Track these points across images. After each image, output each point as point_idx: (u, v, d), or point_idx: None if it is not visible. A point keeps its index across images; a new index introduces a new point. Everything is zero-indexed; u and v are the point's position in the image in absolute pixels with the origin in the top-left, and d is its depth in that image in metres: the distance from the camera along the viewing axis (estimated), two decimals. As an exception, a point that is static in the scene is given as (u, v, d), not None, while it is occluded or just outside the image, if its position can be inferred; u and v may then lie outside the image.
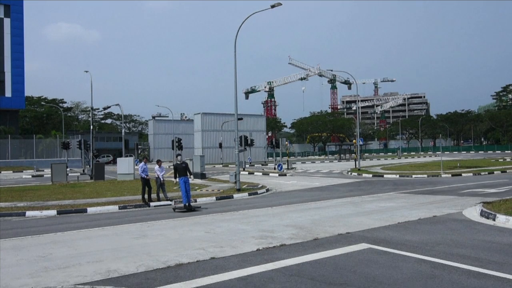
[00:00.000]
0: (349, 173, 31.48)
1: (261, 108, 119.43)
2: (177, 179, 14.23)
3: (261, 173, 33.89)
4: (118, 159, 28.82)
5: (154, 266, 6.52)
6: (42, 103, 79.45)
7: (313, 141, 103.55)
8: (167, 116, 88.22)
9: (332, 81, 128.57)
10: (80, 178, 29.19)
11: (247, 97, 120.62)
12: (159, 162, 16.68)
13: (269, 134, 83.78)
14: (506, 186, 18.78)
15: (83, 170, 39.28)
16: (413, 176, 26.50)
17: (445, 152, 75.20)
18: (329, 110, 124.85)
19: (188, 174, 14.24)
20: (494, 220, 9.77)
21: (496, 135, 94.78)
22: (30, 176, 35.50)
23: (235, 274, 5.95)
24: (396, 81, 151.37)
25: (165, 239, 8.80)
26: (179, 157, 14.90)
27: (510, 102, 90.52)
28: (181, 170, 14.21)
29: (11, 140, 52.80)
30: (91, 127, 35.88)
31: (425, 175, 26.47)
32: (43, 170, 41.09)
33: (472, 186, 19.34)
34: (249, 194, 18.40)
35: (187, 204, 13.69)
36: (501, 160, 44.45)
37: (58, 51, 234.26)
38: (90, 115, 38.53)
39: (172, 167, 14.21)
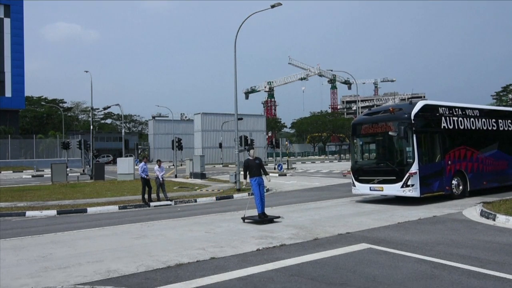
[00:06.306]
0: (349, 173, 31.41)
1: (261, 108, 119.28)
2: (248, 180, 11.06)
3: (261, 173, 33.81)
4: (118, 159, 28.86)
5: (154, 266, 6.52)
6: (42, 103, 79.52)
7: (313, 141, 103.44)
8: (167, 116, 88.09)
9: (332, 81, 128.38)
10: (80, 178, 29.21)
11: (247, 97, 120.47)
12: (159, 162, 16.72)
13: (269, 134, 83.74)
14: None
15: (83, 170, 39.29)
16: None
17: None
18: (329, 110, 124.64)
19: (263, 173, 11.11)
20: (494, 220, 9.76)
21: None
22: (30, 176, 35.55)
23: (235, 274, 5.94)
24: (396, 81, 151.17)
25: (165, 239, 8.80)
26: (251, 152, 11.22)
27: (510, 102, 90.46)
28: (254, 168, 10.96)
29: (11, 140, 52.86)
30: (91, 127, 35.87)
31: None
32: (43, 170, 41.13)
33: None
34: (249, 194, 18.34)
35: (261, 213, 10.73)
36: None
37: (58, 51, 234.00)
38: (90, 115, 38.53)
39: (243, 164, 11.15)
